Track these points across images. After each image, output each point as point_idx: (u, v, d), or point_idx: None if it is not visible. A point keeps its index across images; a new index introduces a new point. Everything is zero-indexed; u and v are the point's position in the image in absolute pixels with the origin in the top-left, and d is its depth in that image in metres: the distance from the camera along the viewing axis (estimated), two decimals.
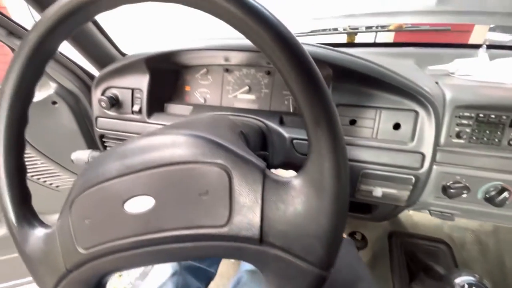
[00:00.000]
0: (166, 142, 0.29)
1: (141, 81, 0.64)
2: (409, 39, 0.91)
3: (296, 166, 0.58)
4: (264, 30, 0.23)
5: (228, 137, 0.33)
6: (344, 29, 0.80)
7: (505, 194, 0.52)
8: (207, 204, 0.27)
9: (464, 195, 0.55)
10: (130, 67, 0.64)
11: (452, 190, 0.53)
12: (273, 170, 0.38)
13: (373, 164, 0.53)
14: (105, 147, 0.72)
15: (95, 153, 0.54)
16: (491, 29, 2.37)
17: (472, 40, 2.12)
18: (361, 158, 0.53)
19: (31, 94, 0.32)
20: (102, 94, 0.66)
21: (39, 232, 0.34)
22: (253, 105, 0.70)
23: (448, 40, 0.92)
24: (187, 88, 0.74)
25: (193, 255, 0.29)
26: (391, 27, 0.84)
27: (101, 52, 0.69)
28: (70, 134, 0.80)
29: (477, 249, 0.64)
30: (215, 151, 0.28)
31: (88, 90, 0.78)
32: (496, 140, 0.52)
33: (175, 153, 0.28)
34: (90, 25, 0.64)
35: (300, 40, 0.25)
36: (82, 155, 0.53)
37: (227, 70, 0.70)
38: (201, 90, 0.73)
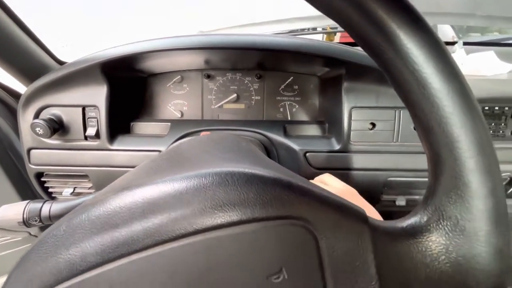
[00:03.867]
0: (176, 193, 0.17)
1: (96, 95, 0.47)
2: None
3: None
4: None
5: (269, 165, 0.22)
6: (323, 29, 0.76)
7: None
8: None
9: None
10: (78, 77, 0.46)
11: None
12: None
13: (396, 170, 0.48)
14: (46, 191, 0.52)
15: (36, 205, 0.35)
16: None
17: None
18: (383, 166, 0.47)
19: None
20: (36, 116, 0.47)
21: None
22: (243, 116, 0.59)
23: None
24: (158, 101, 0.59)
25: None
26: None
27: (30, 62, 0.50)
28: None
29: None
30: (283, 198, 0.17)
31: (11, 113, 0.56)
32: (501, 131, 0.52)
33: (208, 210, 0.16)
34: (14, 27, 0.45)
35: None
36: (13, 211, 0.34)
37: (208, 76, 0.58)
38: (176, 102, 0.59)
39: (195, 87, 0.59)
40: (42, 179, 0.51)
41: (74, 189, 0.51)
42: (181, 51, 0.46)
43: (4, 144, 0.56)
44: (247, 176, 0.17)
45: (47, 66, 0.52)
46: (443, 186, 0.16)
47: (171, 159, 0.24)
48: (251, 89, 0.59)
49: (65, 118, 0.48)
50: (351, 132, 0.47)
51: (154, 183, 0.18)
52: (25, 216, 0.35)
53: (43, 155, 0.49)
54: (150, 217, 0.16)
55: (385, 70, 0.16)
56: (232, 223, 0.16)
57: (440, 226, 0.16)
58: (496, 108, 0.51)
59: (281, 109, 0.59)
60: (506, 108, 0.51)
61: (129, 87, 0.54)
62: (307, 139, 0.49)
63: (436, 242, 0.16)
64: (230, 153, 0.25)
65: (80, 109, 0.48)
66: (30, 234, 0.71)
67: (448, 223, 0.16)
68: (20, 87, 0.56)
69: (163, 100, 0.59)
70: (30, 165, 0.49)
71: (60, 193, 0.52)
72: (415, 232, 0.17)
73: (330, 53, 0.44)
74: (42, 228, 0.74)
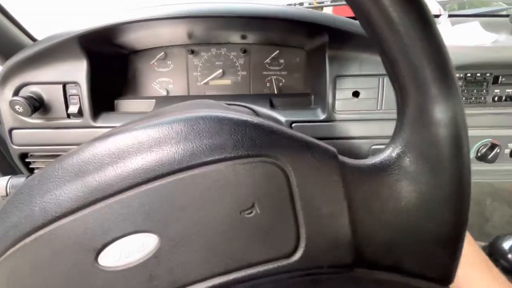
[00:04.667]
0: (159, 135, 0.17)
1: (76, 71, 0.46)
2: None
3: None
4: None
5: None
6: (310, 4, 0.75)
7: (496, 149, 0.53)
8: (257, 224, 0.16)
9: None
10: (56, 52, 0.45)
11: None
12: None
13: (380, 138, 0.48)
14: (32, 172, 0.52)
15: (20, 179, 0.35)
16: None
17: None
18: (368, 134, 0.48)
19: None
20: (15, 95, 0.46)
21: None
22: (229, 91, 0.58)
23: None
24: (142, 80, 0.58)
25: None
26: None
27: (3, 39, 0.48)
28: None
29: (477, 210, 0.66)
30: (253, 137, 0.17)
31: None
32: (482, 98, 0.53)
33: (180, 151, 0.16)
34: None
35: None
36: None
37: (192, 52, 0.57)
38: (161, 80, 0.58)
39: (179, 64, 0.58)
40: (27, 160, 0.50)
41: None
42: (162, 21, 0.45)
43: None
44: (218, 118, 0.17)
45: (21, 43, 0.51)
46: (408, 118, 0.17)
47: (146, 117, 0.24)
48: (236, 64, 0.58)
49: (45, 96, 0.47)
50: (336, 102, 0.47)
51: (125, 130, 0.18)
52: (8, 190, 0.35)
53: (25, 135, 0.48)
54: (122, 161, 0.17)
55: (354, 9, 0.16)
56: (204, 163, 0.16)
57: (407, 157, 0.17)
58: (478, 75, 0.52)
59: (268, 84, 0.58)
60: (488, 75, 0.52)
61: (111, 64, 0.52)
62: (293, 110, 0.49)
63: (403, 174, 0.17)
64: (206, 107, 0.25)
65: (61, 86, 0.46)
66: None
67: (414, 153, 0.17)
68: None
69: (147, 78, 0.58)
70: (13, 146, 0.48)
71: None
72: (383, 167, 0.17)
73: (312, 19, 0.43)
74: None
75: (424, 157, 0.16)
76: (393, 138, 0.18)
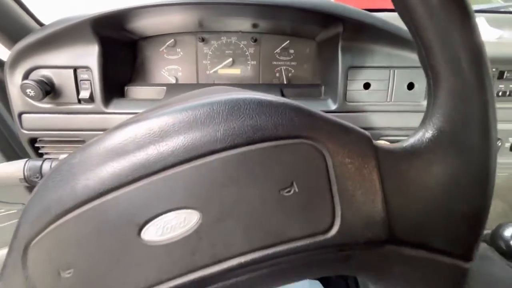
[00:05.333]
0: (200, 116, 0.17)
1: (88, 55, 0.46)
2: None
3: None
4: None
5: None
6: None
7: (497, 143, 0.55)
8: (295, 202, 0.17)
9: None
10: (68, 36, 0.44)
11: None
12: None
13: (389, 129, 0.50)
14: (41, 157, 0.51)
15: (36, 162, 0.35)
16: None
17: None
18: (376, 125, 0.49)
19: None
20: (25, 78, 0.45)
21: None
22: (239, 81, 0.59)
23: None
24: (151, 67, 0.58)
25: (275, 284, 0.19)
26: None
27: (11, 23, 0.47)
28: None
29: None
30: (293, 119, 0.17)
31: None
32: None
33: (222, 131, 0.17)
34: None
35: None
36: (12, 168, 0.34)
37: (202, 40, 0.57)
38: (170, 68, 0.58)
39: (189, 52, 0.58)
40: (36, 145, 0.50)
41: None
42: (173, 7, 0.45)
43: None
44: (258, 100, 0.18)
45: (28, 28, 0.50)
46: (440, 103, 0.18)
47: (177, 99, 0.24)
48: (246, 53, 0.58)
49: (56, 81, 0.46)
50: (347, 92, 0.48)
51: (168, 112, 0.18)
52: (25, 173, 0.35)
53: (35, 119, 0.48)
54: (165, 140, 0.17)
55: None
56: (245, 143, 0.17)
57: (437, 141, 0.18)
58: None
59: (277, 74, 0.59)
60: (493, 70, 0.53)
61: (121, 50, 0.52)
62: (304, 100, 0.50)
63: (433, 157, 0.18)
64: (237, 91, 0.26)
65: (72, 70, 0.46)
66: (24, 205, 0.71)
67: (444, 138, 0.18)
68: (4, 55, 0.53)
69: (157, 65, 0.58)
70: (23, 131, 0.48)
71: (56, 159, 0.51)
72: (414, 150, 0.18)
73: (328, 9, 0.43)
74: None
75: (454, 140, 0.17)
76: (423, 122, 0.19)
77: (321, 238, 0.17)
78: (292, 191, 0.17)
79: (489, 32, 0.65)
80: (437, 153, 0.18)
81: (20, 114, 0.47)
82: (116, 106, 0.48)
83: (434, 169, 0.18)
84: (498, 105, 0.54)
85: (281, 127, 0.17)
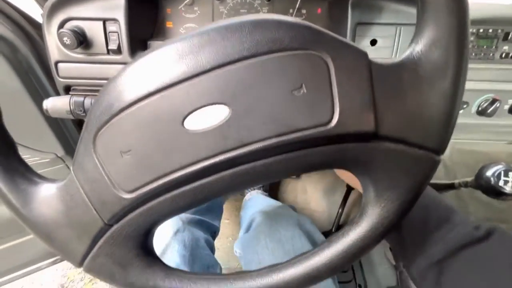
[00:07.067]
0: (230, 30, 0.22)
1: (115, 9, 0.50)
2: None
3: None
4: None
5: None
6: None
7: (496, 104, 0.58)
8: (303, 100, 0.22)
9: (461, 110, 0.60)
10: None
11: None
12: None
13: None
14: None
15: (79, 98, 0.41)
16: None
17: None
18: None
19: None
20: (60, 28, 0.50)
21: (46, 189, 0.25)
22: None
23: None
24: (169, 25, 0.61)
25: (286, 170, 0.24)
26: None
27: None
28: (12, 95, 0.61)
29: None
30: (304, 34, 0.22)
31: (26, 36, 0.58)
32: (491, 54, 0.56)
33: (248, 42, 0.22)
34: None
35: None
36: (61, 102, 0.40)
37: None
38: (187, 26, 0.62)
39: (206, 11, 0.61)
40: (70, 92, 0.55)
41: None
42: None
43: (23, 65, 0.60)
44: (277, 20, 0.22)
45: None
46: (425, 22, 0.22)
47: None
48: (260, 12, 0.61)
49: (87, 32, 0.51)
50: None
51: (203, 29, 0.23)
52: (71, 106, 0.41)
53: (69, 68, 0.53)
54: (202, 51, 0.22)
55: None
56: (267, 51, 0.21)
57: (422, 53, 0.22)
58: (490, 30, 0.54)
59: None
60: (499, 31, 0.54)
61: (145, 5, 0.55)
62: None
63: (421, 65, 0.22)
64: None
65: (101, 22, 0.50)
66: (56, 155, 0.79)
67: (425, 57, 0.22)
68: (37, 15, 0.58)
69: (175, 23, 0.61)
70: (59, 78, 0.54)
71: (96, 95, 0.57)
72: (403, 63, 0.23)
73: None
74: (67, 168, 0.82)
75: (433, 60, 0.22)
76: (411, 42, 0.23)
77: (323, 128, 0.22)
78: (301, 92, 0.22)
79: None
80: (422, 70, 0.22)
81: (56, 63, 0.52)
82: None
83: (418, 81, 0.22)
84: (500, 66, 0.56)
85: (295, 40, 0.22)
